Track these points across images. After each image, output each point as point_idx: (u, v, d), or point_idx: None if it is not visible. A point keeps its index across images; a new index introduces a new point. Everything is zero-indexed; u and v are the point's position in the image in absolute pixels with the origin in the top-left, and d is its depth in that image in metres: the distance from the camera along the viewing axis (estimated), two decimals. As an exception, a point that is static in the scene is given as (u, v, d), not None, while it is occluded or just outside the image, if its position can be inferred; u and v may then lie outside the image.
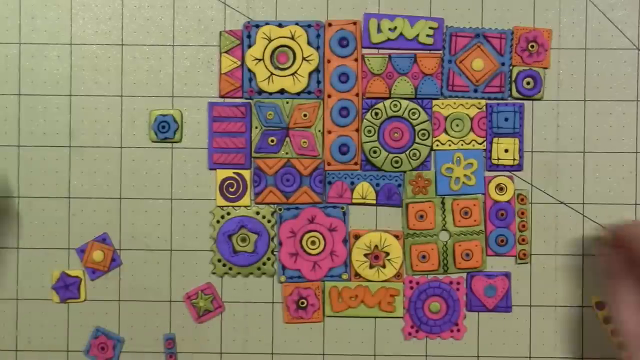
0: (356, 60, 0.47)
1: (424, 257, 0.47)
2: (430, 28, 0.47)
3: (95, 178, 0.47)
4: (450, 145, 0.47)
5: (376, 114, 0.47)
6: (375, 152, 0.47)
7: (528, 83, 0.47)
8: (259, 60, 0.47)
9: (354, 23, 0.47)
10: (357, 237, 0.47)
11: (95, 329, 0.47)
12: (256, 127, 0.47)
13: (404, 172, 0.47)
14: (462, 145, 0.47)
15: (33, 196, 0.47)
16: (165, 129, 0.47)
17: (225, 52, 0.47)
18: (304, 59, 0.47)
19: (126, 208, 0.47)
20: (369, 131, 0.47)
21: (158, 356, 0.47)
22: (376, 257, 0.47)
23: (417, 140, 0.47)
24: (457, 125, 0.47)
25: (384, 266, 0.47)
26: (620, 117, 0.47)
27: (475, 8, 0.47)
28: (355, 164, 0.47)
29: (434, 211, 0.47)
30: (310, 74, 0.47)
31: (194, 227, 0.47)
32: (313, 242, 0.47)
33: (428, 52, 0.47)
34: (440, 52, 0.47)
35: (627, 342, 0.41)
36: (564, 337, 0.47)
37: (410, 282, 0.47)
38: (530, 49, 0.46)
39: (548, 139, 0.47)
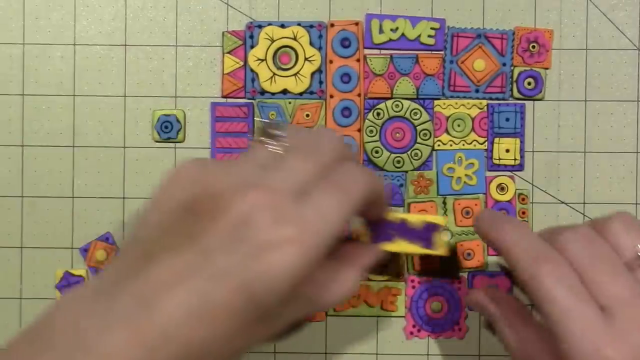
0: (358, 60, 0.47)
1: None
2: (431, 29, 0.47)
3: (99, 178, 0.47)
4: (451, 145, 0.47)
5: (378, 114, 0.47)
6: (377, 152, 0.47)
7: (529, 83, 0.47)
8: (262, 60, 0.47)
9: (356, 24, 0.47)
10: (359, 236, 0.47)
11: (98, 328, 0.47)
12: (259, 127, 0.47)
13: (406, 172, 0.47)
14: (463, 145, 0.47)
15: (36, 195, 0.47)
16: (168, 129, 0.47)
17: (228, 52, 0.47)
18: (306, 59, 0.47)
19: (129, 208, 0.47)
20: (371, 131, 0.47)
21: (161, 355, 0.47)
22: (378, 256, 0.47)
23: (419, 140, 0.47)
24: (459, 126, 0.47)
25: (386, 266, 0.47)
26: (621, 117, 0.47)
27: (477, 8, 0.47)
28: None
29: (436, 211, 0.47)
30: (312, 74, 0.47)
31: (196, 227, 0.47)
32: (315, 242, 0.47)
33: (430, 52, 0.47)
34: (442, 52, 0.47)
35: None
36: (565, 336, 0.47)
37: (412, 281, 0.47)
38: (532, 49, 0.47)
39: (549, 139, 0.47)
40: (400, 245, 0.40)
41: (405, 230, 0.40)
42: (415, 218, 0.41)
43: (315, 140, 0.36)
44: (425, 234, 0.41)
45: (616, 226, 0.37)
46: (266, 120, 0.37)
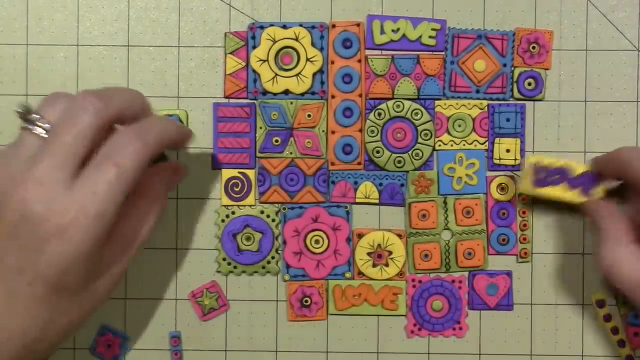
0: (359, 61, 0.47)
1: (426, 255, 0.47)
2: (432, 29, 0.47)
3: (102, 178, 0.47)
4: (452, 146, 0.47)
5: (379, 114, 0.47)
6: (378, 152, 0.47)
7: (529, 84, 0.47)
8: (264, 61, 0.47)
9: (357, 24, 0.47)
10: (360, 236, 0.47)
11: (101, 327, 0.48)
12: (260, 128, 0.47)
13: (407, 171, 0.47)
14: (464, 145, 0.47)
15: (40, 195, 0.47)
16: (171, 129, 0.47)
17: (230, 53, 0.47)
18: (308, 60, 0.47)
19: (132, 207, 0.47)
20: (372, 131, 0.47)
21: (164, 353, 0.48)
22: (379, 255, 0.47)
23: (420, 140, 0.47)
24: (459, 126, 0.47)
25: (387, 265, 0.47)
26: (621, 118, 0.47)
27: (477, 9, 0.47)
28: (359, 163, 0.47)
29: (437, 210, 0.47)
30: (314, 74, 0.47)
31: (199, 226, 0.47)
32: (317, 241, 0.47)
33: (430, 53, 0.47)
34: (443, 53, 0.47)
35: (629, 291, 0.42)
36: (564, 335, 0.47)
37: (413, 280, 0.47)
38: (532, 50, 0.47)
39: (549, 139, 0.47)
40: (562, 191, 0.44)
41: (566, 176, 0.44)
42: (575, 165, 0.44)
43: (71, 113, 0.37)
44: (583, 182, 0.44)
45: None
46: (22, 106, 0.38)
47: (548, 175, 0.44)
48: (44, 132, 0.37)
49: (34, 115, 0.38)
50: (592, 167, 0.45)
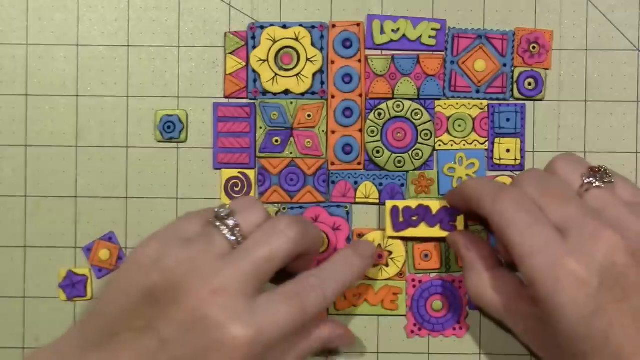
0: (359, 61, 0.47)
1: (426, 255, 0.47)
2: (432, 29, 0.47)
3: (102, 177, 0.47)
4: (452, 146, 0.47)
5: (379, 114, 0.47)
6: (378, 152, 0.47)
7: (529, 84, 0.47)
8: (264, 61, 0.47)
9: (357, 24, 0.47)
10: (360, 236, 0.47)
11: (101, 327, 0.48)
12: (260, 128, 0.47)
13: (407, 171, 0.47)
14: (464, 145, 0.47)
15: (40, 195, 0.48)
16: (171, 129, 0.47)
17: (230, 53, 0.47)
18: (308, 60, 0.47)
19: (132, 207, 0.47)
20: (372, 131, 0.47)
21: (164, 353, 0.48)
22: (379, 255, 0.47)
23: (420, 140, 0.47)
24: (460, 126, 0.47)
25: (387, 265, 0.47)
26: (621, 118, 0.47)
27: (477, 9, 0.47)
28: (359, 163, 0.47)
29: (436, 210, 0.47)
30: (314, 74, 0.47)
31: (199, 226, 0.47)
32: (317, 241, 0.47)
33: (430, 53, 0.47)
34: (443, 53, 0.47)
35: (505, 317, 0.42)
36: (565, 335, 0.47)
37: (413, 280, 0.47)
38: (532, 50, 0.47)
39: (549, 139, 0.47)
40: (423, 230, 0.46)
41: (425, 215, 0.46)
42: (433, 203, 0.46)
43: (272, 232, 0.38)
44: (442, 217, 0.45)
45: (561, 163, 0.41)
46: (222, 208, 0.39)
47: (406, 217, 0.46)
48: (231, 234, 0.38)
49: (228, 217, 0.39)
50: (447, 202, 0.46)
